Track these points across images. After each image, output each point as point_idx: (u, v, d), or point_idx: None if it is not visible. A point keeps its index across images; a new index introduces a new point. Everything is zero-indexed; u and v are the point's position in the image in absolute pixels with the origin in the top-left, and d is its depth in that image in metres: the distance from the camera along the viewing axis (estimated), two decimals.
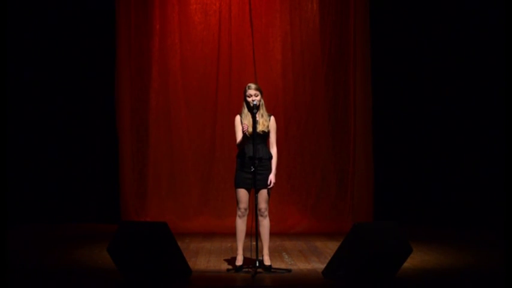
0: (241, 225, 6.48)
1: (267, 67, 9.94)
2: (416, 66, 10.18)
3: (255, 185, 6.32)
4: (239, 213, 6.46)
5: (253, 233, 6.37)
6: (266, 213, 6.45)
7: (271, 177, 6.43)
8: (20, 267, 6.56)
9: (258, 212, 6.41)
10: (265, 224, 6.46)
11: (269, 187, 6.43)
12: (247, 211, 6.47)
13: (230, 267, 6.65)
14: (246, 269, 6.41)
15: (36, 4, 10.09)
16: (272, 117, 6.53)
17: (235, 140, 6.51)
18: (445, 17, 10.10)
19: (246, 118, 6.44)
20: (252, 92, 6.41)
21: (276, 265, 6.64)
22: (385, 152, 10.14)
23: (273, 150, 6.52)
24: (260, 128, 6.42)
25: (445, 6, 10.06)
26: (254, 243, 6.35)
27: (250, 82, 6.71)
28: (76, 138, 10.28)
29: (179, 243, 6.22)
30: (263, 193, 6.41)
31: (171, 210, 9.83)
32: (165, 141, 10.01)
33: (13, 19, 9.71)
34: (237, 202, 6.47)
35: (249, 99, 6.40)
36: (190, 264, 6.39)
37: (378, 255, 5.81)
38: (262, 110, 6.49)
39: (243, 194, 6.43)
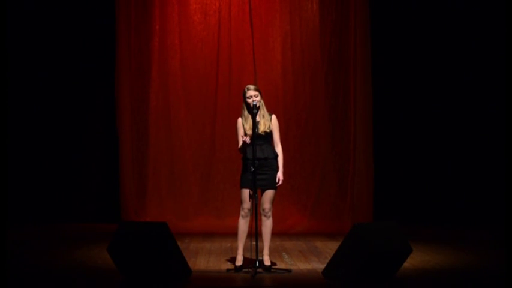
0: (243, 225, 6.48)
1: (267, 67, 9.93)
2: (417, 66, 10.18)
3: (254, 185, 6.31)
4: (242, 213, 6.46)
5: (253, 233, 6.37)
6: (270, 213, 6.45)
7: (280, 175, 6.44)
8: (20, 267, 6.56)
9: (261, 211, 6.42)
10: (267, 225, 6.46)
11: (278, 184, 6.44)
12: (251, 211, 6.47)
13: (230, 267, 6.64)
14: (246, 269, 6.41)
15: (36, 4, 10.09)
16: (273, 116, 6.53)
17: (237, 143, 6.52)
18: (445, 17, 10.10)
19: (247, 120, 6.45)
20: (251, 93, 6.42)
21: (276, 265, 6.64)
22: (385, 152, 10.14)
23: (278, 149, 6.51)
24: (262, 128, 6.42)
25: (446, 6, 10.06)
26: (254, 243, 6.35)
27: (249, 83, 6.72)
28: (76, 138, 10.29)
29: (179, 243, 6.21)
30: (268, 193, 6.42)
31: (171, 210, 9.83)
32: (165, 141, 10.00)
33: (13, 19, 9.71)
34: (241, 202, 6.47)
35: (249, 100, 6.40)
36: (190, 264, 6.39)
37: (378, 255, 5.81)
38: (263, 111, 6.49)
39: (247, 194, 6.42)
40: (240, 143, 6.44)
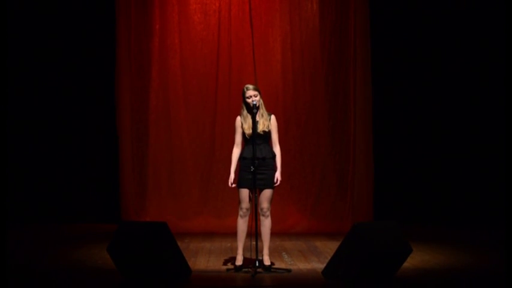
0: (242, 225, 6.48)
1: (267, 67, 9.94)
2: (416, 66, 10.18)
3: (254, 185, 6.32)
4: (241, 213, 6.47)
5: (253, 232, 6.38)
6: (268, 213, 6.45)
7: (278, 175, 6.45)
8: (20, 267, 6.56)
9: (260, 211, 6.42)
10: (266, 224, 6.47)
11: (276, 185, 6.44)
12: (249, 211, 6.47)
13: (230, 267, 6.65)
14: (246, 269, 6.41)
15: (36, 4, 10.09)
16: (273, 116, 6.54)
17: (234, 140, 6.53)
18: (445, 17, 10.10)
19: (246, 120, 6.46)
20: (251, 92, 6.43)
21: (276, 265, 6.64)
22: (385, 152, 10.14)
23: (276, 149, 6.53)
24: (261, 128, 6.44)
25: (446, 6, 10.06)
26: (254, 243, 6.35)
27: (248, 83, 6.72)
28: (76, 138, 10.29)
29: (179, 243, 6.22)
30: (266, 193, 6.43)
31: (171, 210, 9.83)
32: (165, 141, 10.01)
33: (13, 19, 9.72)
34: (239, 202, 6.47)
35: (249, 100, 6.41)
36: (190, 264, 6.39)
37: (378, 255, 5.81)
38: (262, 110, 6.51)
39: (245, 194, 6.43)
40: (237, 138, 6.46)
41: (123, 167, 9.95)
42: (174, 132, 10.00)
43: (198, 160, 9.99)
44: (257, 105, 6.40)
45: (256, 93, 6.43)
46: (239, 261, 6.48)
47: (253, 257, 6.39)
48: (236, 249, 6.57)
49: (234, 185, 6.46)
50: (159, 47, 9.99)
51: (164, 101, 10.02)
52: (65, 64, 10.21)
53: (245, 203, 6.44)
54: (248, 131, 6.42)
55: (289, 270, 6.48)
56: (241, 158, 6.49)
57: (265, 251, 6.47)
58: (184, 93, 10.01)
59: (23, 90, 10.08)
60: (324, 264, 6.35)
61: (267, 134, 6.49)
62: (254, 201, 6.35)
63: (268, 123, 6.49)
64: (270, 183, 6.43)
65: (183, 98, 10.01)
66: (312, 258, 7.27)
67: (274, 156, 6.49)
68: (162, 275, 5.89)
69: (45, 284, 5.95)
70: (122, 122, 9.96)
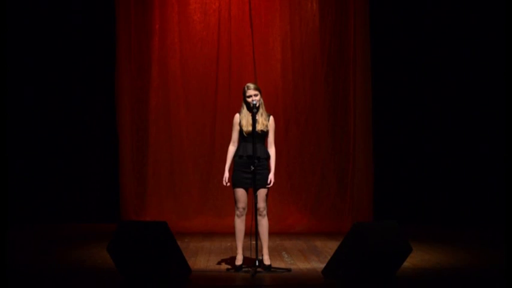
0: (240, 224, 6.49)
1: (267, 67, 9.94)
2: (416, 66, 10.19)
3: (254, 184, 6.33)
4: (237, 212, 6.47)
5: (252, 232, 6.38)
6: (265, 212, 6.46)
7: (271, 177, 6.45)
8: (20, 267, 6.56)
9: (256, 211, 6.43)
10: (264, 224, 6.47)
11: (268, 186, 6.44)
12: (246, 210, 6.48)
13: (230, 266, 6.65)
14: (246, 269, 6.41)
15: (36, 4, 10.09)
16: (271, 117, 6.55)
17: (230, 137, 6.54)
18: (445, 17, 10.11)
19: (245, 118, 6.46)
20: (251, 92, 6.43)
21: (276, 265, 6.65)
22: (385, 152, 10.15)
23: (271, 150, 6.54)
24: (259, 127, 6.44)
25: (445, 6, 10.07)
26: (254, 242, 6.35)
27: (249, 82, 6.72)
28: (76, 138, 10.29)
29: (179, 243, 6.22)
30: (261, 192, 6.42)
31: (171, 210, 9.83)
32: (165, 141, 10.01)
33: (13, 19, 9.72)
34: (235, 202, 6.48)
35: (249, 100, 6.42)
36: (190, 263, 6.40)
37: (377, 254, 5.81)
38: (262, 109, 6.51)
39: (241, 193, 6.44)
40: (234, 136, 6.48)
41: (123, 167, 9.95)
42: (174, 132, 10.00)
43: (198, 160, 9.99)
44: (257, 105, 6.41)
45: (256, 92, 6.43)
46: (239, 261, 6.48)
47: (253, 256, 6.39)
48: (236, 248, 6.57)
49: (228, 184, 6.46)
50: (159, 47, 9.99)
51: (164, 101, 10.02)
52: (65, 64, 10.21)
53: (241, 203, 6.45)
54: (246, 128, 6.42)
55: (289, 270, 6.48)
56: (235, 156, 6.49)
57: (265, 251, 6.47)
58: (184, 93, 10.02)
59: (23, 90, 10.08)
60: (324, 264, 6.35)
61: (264, 134, 6.49)
62: (254, 200, 6.35)
63: (267, 123, 6.49)
64: (264, 183, 6.43)
65: (183, 98, 10.01)
66: (312, 258, 7.27)
67: (268, 156, 6.50)
68: (162, 275, 5.89)
69: (44, 284, 5.95)
70: (122, 122, 9.96)
